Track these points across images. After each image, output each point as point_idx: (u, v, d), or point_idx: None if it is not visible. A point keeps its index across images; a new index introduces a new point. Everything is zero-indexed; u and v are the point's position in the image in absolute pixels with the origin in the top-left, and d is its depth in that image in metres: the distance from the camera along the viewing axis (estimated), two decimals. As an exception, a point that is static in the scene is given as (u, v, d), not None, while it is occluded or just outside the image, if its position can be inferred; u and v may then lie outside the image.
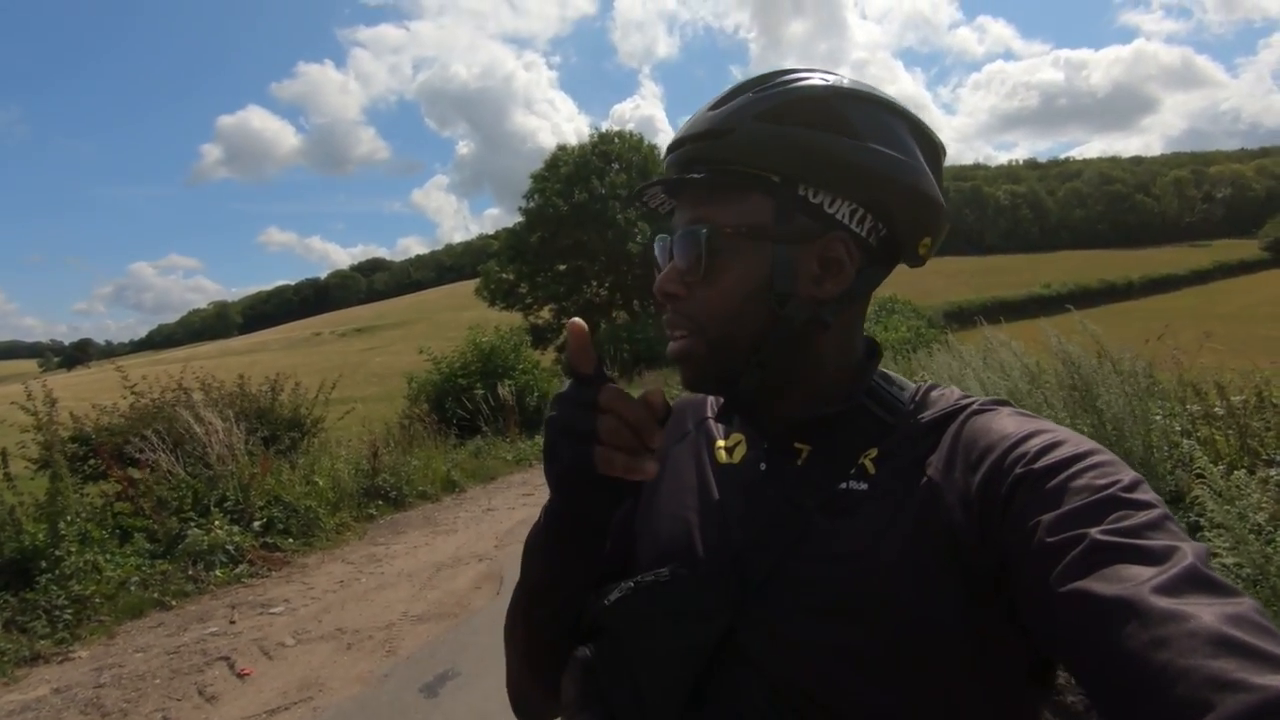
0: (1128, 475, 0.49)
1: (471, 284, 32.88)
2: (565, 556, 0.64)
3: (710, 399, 0.79)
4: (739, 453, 0.71)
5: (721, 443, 0.74)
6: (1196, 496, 2.33)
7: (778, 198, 0.62)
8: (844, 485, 0.61)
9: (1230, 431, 3.41)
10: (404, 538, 5.77)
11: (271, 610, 4.20)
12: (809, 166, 0.62)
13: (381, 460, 7.00)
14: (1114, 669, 0.40)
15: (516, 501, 6.95)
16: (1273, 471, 2.66)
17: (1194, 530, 2.51)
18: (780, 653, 0.57)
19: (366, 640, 3.74)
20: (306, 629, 3.92)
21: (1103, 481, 0.48)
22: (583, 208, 23.18)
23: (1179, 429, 3.45)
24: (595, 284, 25.41)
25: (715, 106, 0.65)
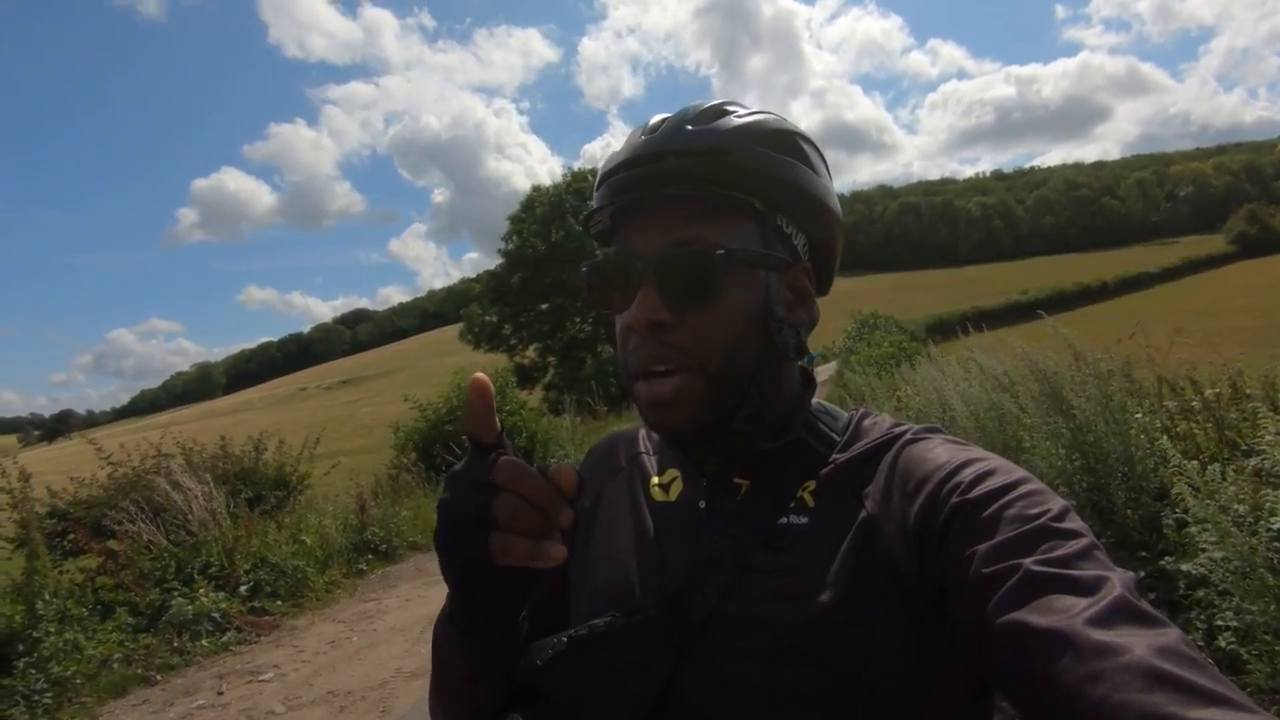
0: (1056, 504, 0.50)
1: (455, 329, 32.85)
2: (478, 652, 0.57)
3: (642, 432, 0.76)
4: (675, 489, 0.68)
5: (656, 479, 0.70)
6: (1179, 493, 2.34)
7: (763, 225, 0.61)
8: (784, 520, 0.60)
9: (1208, 425, 3.44)
10: (396, 591, 5.64)
11: (261, 678, 4.07)
12: (788, 197, 0.62)
13: (370, 513, 6.88)
14: (1051, 702, 0.41)
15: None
16: (1251, 461, 2.68)
17: (1180, 526, 2.52)
18: (725, 700, 0.55)
19: (359, 701, 3.63)
20: (297, 694, 3.80)
21: (1034, 511, 0.49)
22: (560, 246, 23.33)
23: (1159, 426, 3.48)
24: (578, 320, 25.47)
25: (692, 123, 0.61)
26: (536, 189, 25.60)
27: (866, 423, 0.66)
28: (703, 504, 0.65)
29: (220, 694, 3.89)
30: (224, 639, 4.61)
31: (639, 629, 0.58)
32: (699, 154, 0.59)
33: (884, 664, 0.52)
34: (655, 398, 0.58)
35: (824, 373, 17.28)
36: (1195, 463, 2.38)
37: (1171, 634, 0.41)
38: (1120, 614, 0.42)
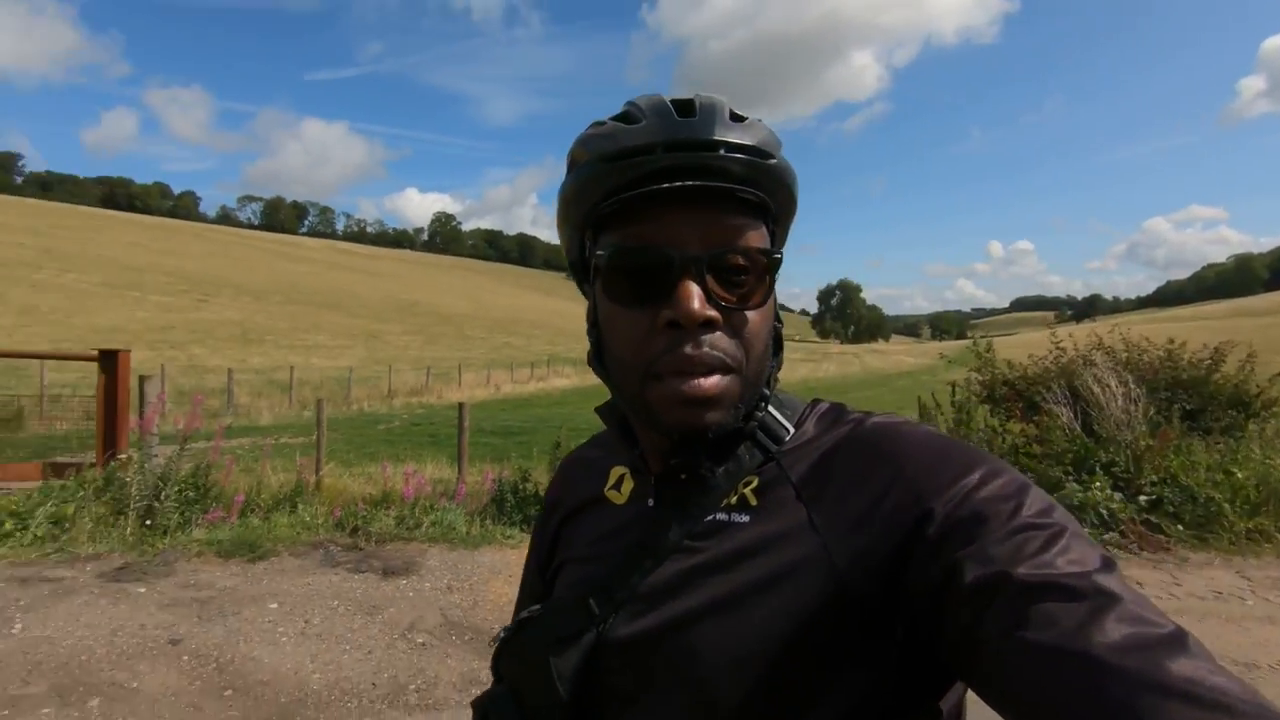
0: (1027, 494, 0.48)
1: None
2: None
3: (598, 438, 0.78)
4: (626, 488, 0.69)
5: (610, 482, 0.71)
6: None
7: (771, 232, 0.62)
8: (721, 517, 0.59)
9: None
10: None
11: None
12: (791, 210, 0.63)
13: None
14: None
15: None
16: None
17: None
18: (631, 672, 0.57)
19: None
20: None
21: (1009, 506, 0.47)
22: None
23: None
24: None
25: (731, 117, 0.58)
26: None
27: (819, 410, 0.64)
28: (650, 501, 0.64)
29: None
30: (1105, 538, 4.70)
31: (564, 611, 0.62)
32: (755, 153, 0.57)
33: (815, 673, 0.51)
34: (698, 394, 0.54)
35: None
36: None
37: (1184, 638, 0.39)
38: (1124, 620, 0.40)
